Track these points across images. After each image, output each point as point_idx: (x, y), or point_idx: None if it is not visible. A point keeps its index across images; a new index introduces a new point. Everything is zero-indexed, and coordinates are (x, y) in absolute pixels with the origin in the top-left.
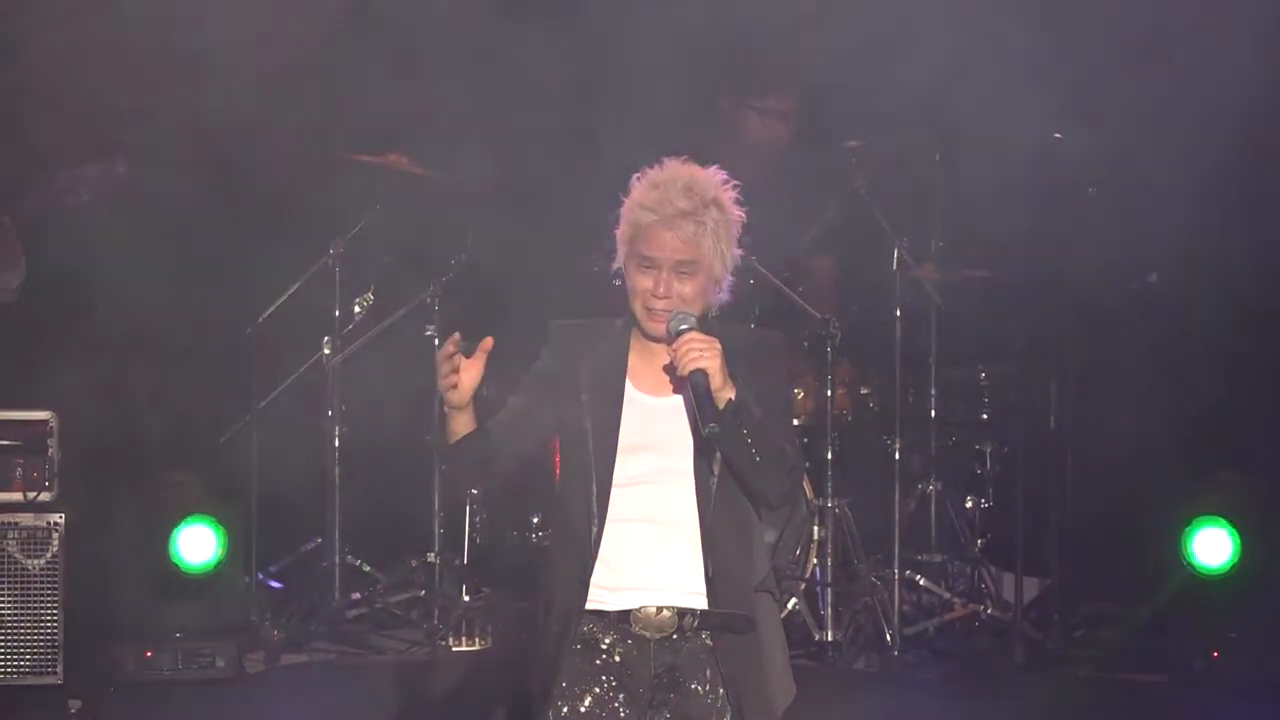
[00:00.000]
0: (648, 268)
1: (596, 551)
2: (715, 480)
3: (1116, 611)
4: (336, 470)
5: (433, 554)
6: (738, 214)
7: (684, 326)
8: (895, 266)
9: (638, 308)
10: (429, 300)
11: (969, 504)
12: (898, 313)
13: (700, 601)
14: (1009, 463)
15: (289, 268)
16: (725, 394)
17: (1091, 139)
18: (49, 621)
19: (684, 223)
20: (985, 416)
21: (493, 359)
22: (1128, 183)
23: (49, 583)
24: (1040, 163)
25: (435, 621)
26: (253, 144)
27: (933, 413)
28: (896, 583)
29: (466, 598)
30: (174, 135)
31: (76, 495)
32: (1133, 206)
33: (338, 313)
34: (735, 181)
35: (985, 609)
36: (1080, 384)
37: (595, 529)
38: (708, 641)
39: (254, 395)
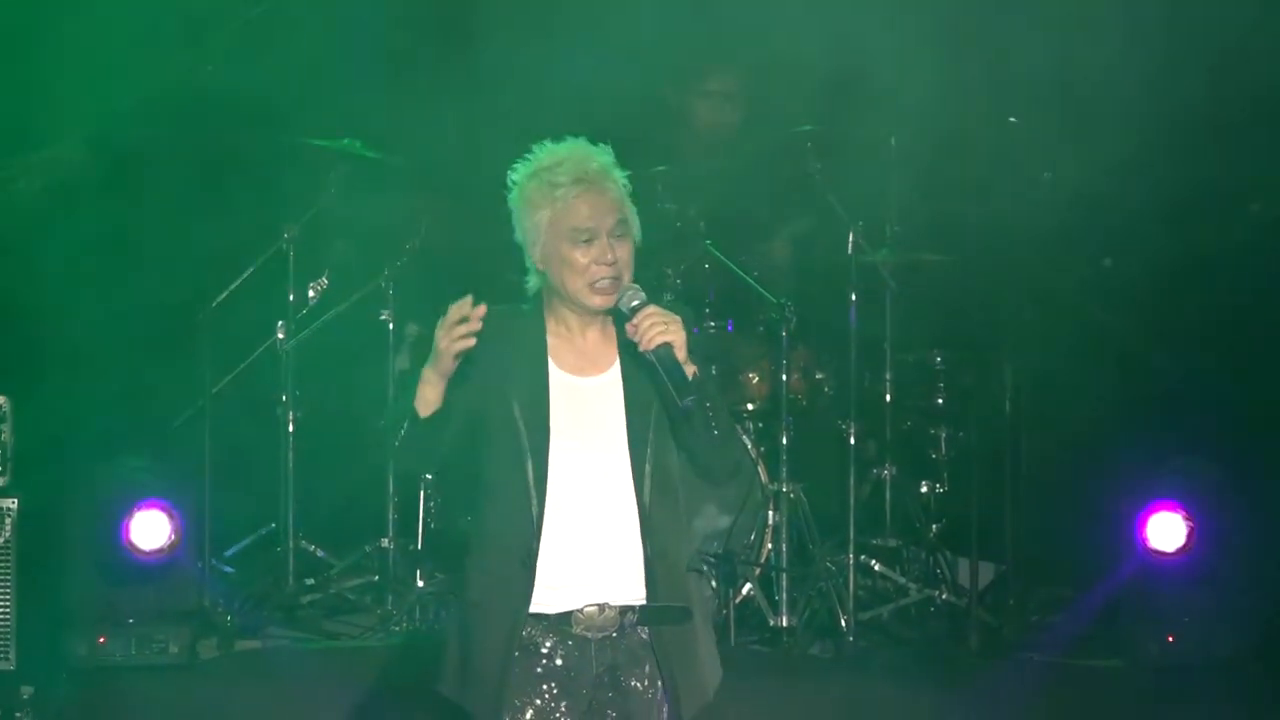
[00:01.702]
0: (585, 241)
1: (538, 546)
2: (650, 457)
3: (1072, 596)
4: (290, 455)
5: (387, 539)
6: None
7: (636, 302)
8: (850, 251)
9: (579, 285)
10: (383, 285)
11: (924, 489)
12: (853, 297)
13: (638, 591)
14: (964, 447)
15: (243, 252)
16: (690, 367)
17: (1052, 123)
18: (2, 607)
19: (606, 183)
20: (940, 401)
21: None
22: (1083, 167)
23: (1, 568)
24: (995, 148)
25: (389, 607)
26: (206, 127)
27: (888, 397)
28: (851, 568)
29: (421, 583)
30: (124, 119)
31: (30, 480)
32: (1088, 192)
33: (291, 297)
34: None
35: (940, 594)
36: (1035, 369)
37: (535, 522)
38: (644, 635)
39: (208, 380)
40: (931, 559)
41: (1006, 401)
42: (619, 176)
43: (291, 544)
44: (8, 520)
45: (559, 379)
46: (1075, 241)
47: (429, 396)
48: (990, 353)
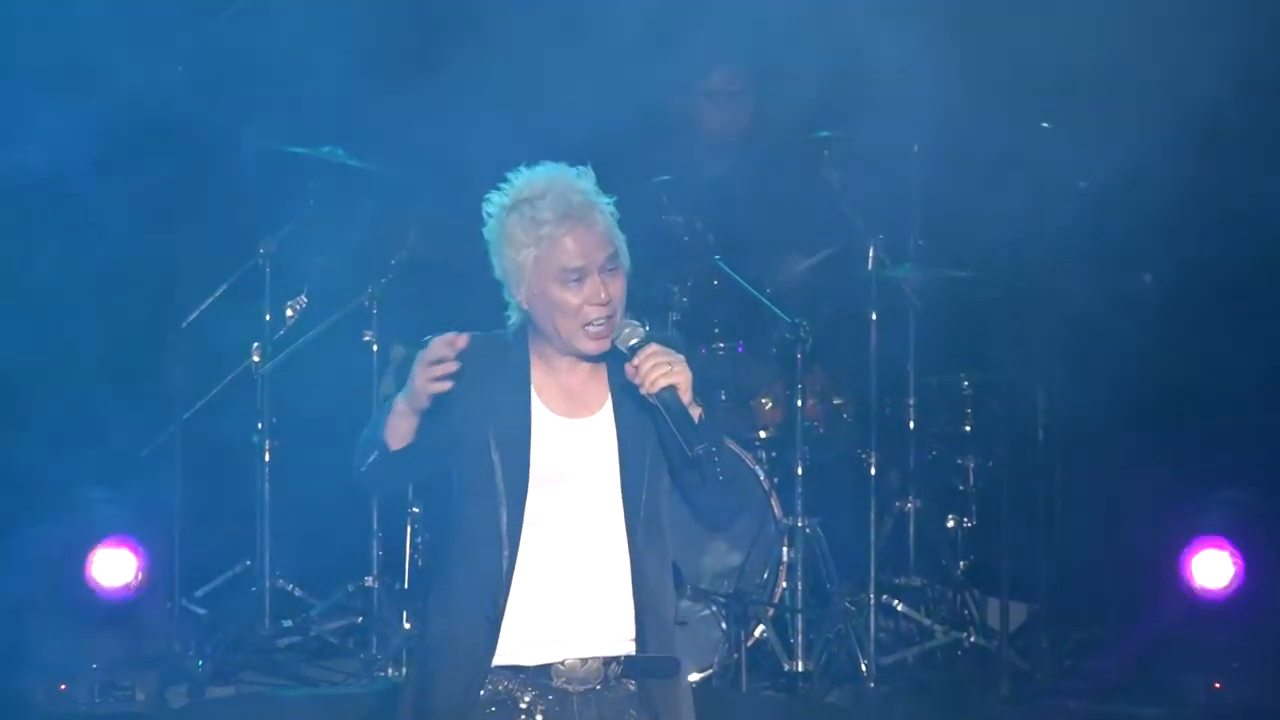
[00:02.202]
0: (575, 281)
1: (508, 592)
2: (644, 504)
3: (1110, 639)
4: (267, 487)
5: (371, 578)
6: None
7: (635, 341)
8: (870, 266)
9: (571, 329)
10: (366, 303)
11: (950, 523)
12: (873, 316)
13: (626, 645)
14: (994, 478)
15: (215, 268)
16: (696, 409)
17: (1080, 132)
18: None
19: (594, 214)
20: (968, 428)
21: None
22: (1119, 178)
23: None
24: (1026, 156)
25: (374, 651)
26: (177, 134)
27: (911, 424)
28: (872, 609)
29: (408, 625)
30: (90, 124)
31: None
32: (1125, 203)
33: (268, 317)
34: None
35: (968, 637)
36: (1070, 394)
37: (506, 566)
38: (631, 687)
39: (177, 406)
40: (959, 599)
41: (1039, 429)
42: (605, 204)
43: (268, 583)
44: None
45: (546, 419)
46: (1113, 257)
47: (401, 429)
48: (1021, 376)
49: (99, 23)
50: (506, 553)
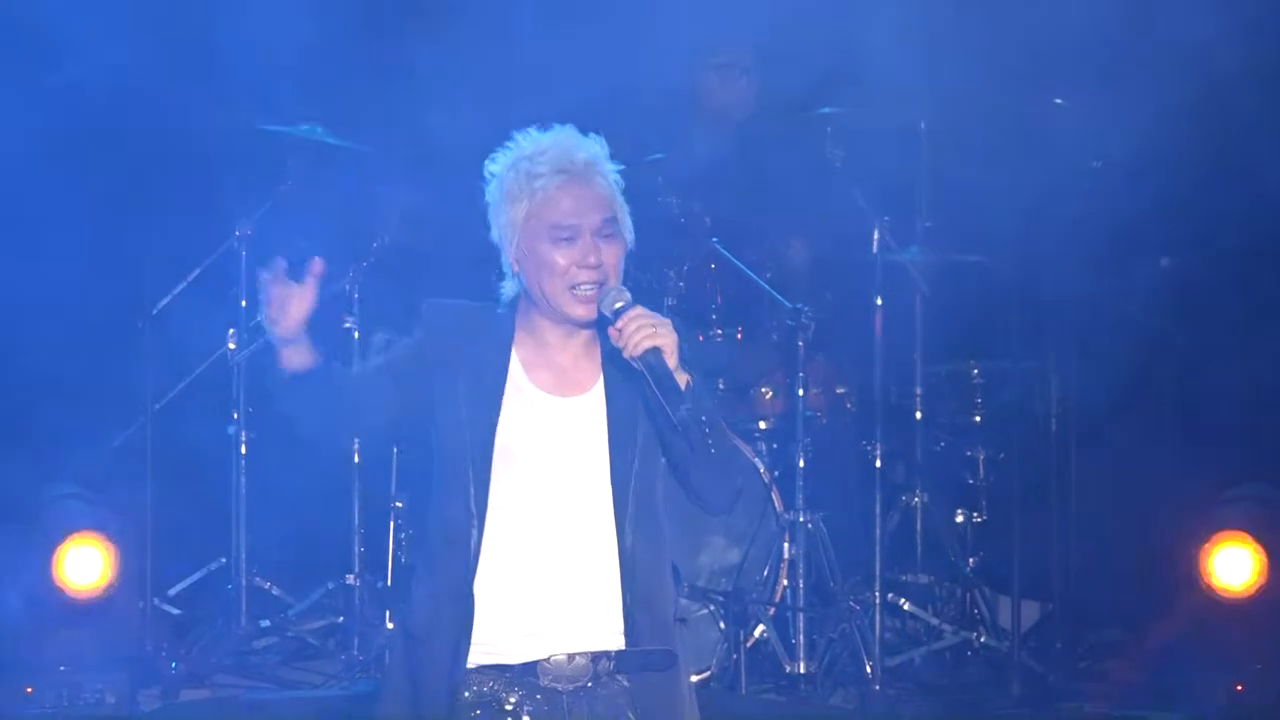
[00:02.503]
0: (564, 239)
1: (473, 582)
2: (634, 489)
3: (1126, 640)
4: (243, 481)
5: (352, 575)
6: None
7: (620, 304)
8: (875, 249)
9: (557, 290)
10: (347, 288)
11: (959, 518)
12: (879, 301)
13: (615, 639)
14: (1004, 471)
15: (189, 250)
16: (682, 376)
17: (1094, 109)
18: None
19: (595, 177)
20: (978, 419)
21: None
22: (1135, 157)
23: None
24: (1039, 133)
25: (355, 652)
26: (148, 109)
27: (918, 414)
28: (878, 607)
29: (390, 625)
30: (53, 100)
31: None
32: (1141, 184)
33: (244, 302)
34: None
35: (978, 637)
36: (1084, 383)
37: (473, 555)
38: (624, 683)
39: (149, 395)
40: (968, 597)
41: (1052, 419)
42: (610, 170)
43: (244, 581)
44: None
45: (530, 396)
46: (1128, 239)
47: (286, 359)
48: (1033, 364)
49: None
50: (475, 532)
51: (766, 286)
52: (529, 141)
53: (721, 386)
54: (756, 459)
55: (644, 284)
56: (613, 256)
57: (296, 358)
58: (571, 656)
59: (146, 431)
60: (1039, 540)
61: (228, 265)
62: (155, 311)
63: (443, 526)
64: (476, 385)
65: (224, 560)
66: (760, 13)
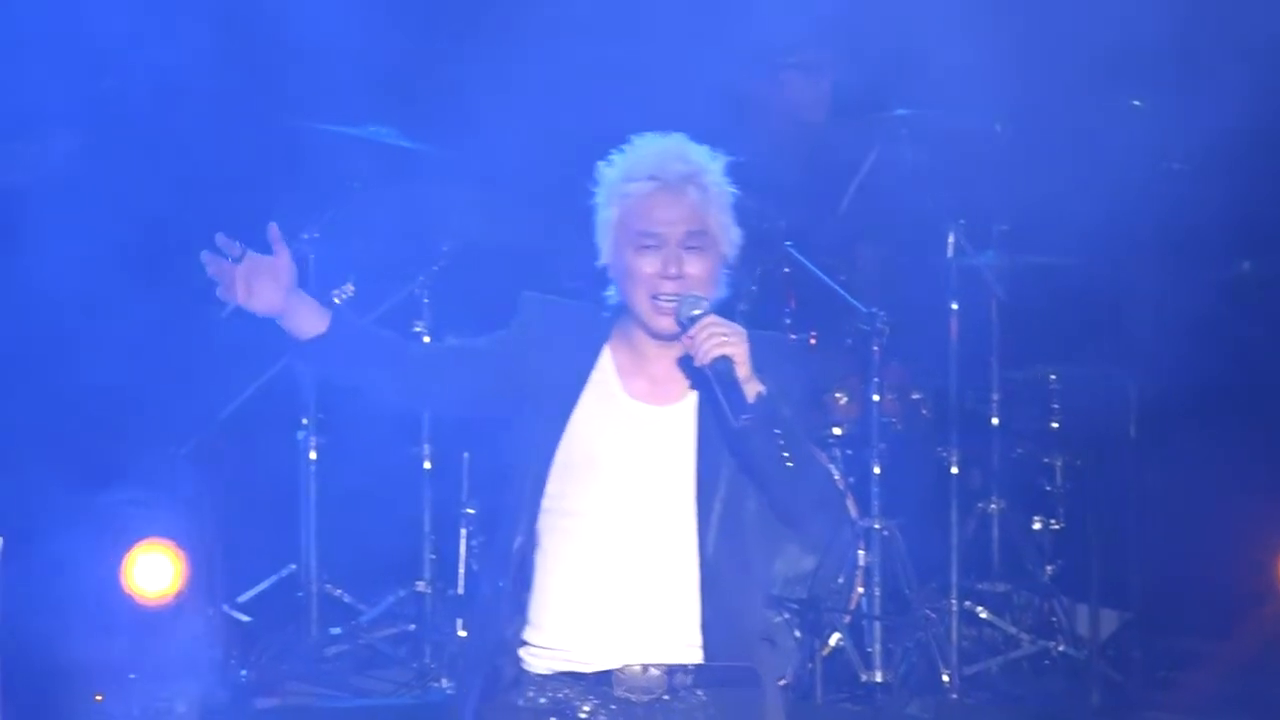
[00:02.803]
0: (649, 247)
1: (518, 564)
2: (721, 500)
3: (1206, 649)
4: (312, 487)
5: (423, 583)
6: (733, 190)
7: (697, 311)
8: (951, 253)
9: (640, 298)
10: (417, 292)
11: (1036, 525)
12: (954, 306)
13: (692, 652)
14: (1082, 478)
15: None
16: (754, 386)
17: (1180, 108)
18: None
19: (688, 187)
20: (1055, 425)
21: None
22: (1216, 159)
23: None
24: (1116, 135)
25: (426, 660)
26: (214, 110)
27: (995, 420)
28: (954, 616)
29: (462, 633)
30: (120, 104)
31: (15, 516)
32: (1222, 186)
33: None
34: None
35: (1056, 646)
36: (1163, 388)
37: (512, 556)
38: (703, 697)
39: (218, 401)
40: (1045, 605)
41: (1130, 425)
42: (712, 184)
43: (314, 588)
44: None
45: (624, 403)
46: (1209, 242)
47: (291, 329)
48: (1111, 369)
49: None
50: (522, 532)
51: (841, 291)
52: (634, 147)
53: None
54: (831, 465)
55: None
56: (697, 269)
57: (304, 324)
58: (645, 668)
59: (216, 437)
60: (1117, 548)
61: (297, 269)
62: (224, 316)
63: (499, 523)
64: (557, 384)
65: (294, 567)
66: (834, 13)
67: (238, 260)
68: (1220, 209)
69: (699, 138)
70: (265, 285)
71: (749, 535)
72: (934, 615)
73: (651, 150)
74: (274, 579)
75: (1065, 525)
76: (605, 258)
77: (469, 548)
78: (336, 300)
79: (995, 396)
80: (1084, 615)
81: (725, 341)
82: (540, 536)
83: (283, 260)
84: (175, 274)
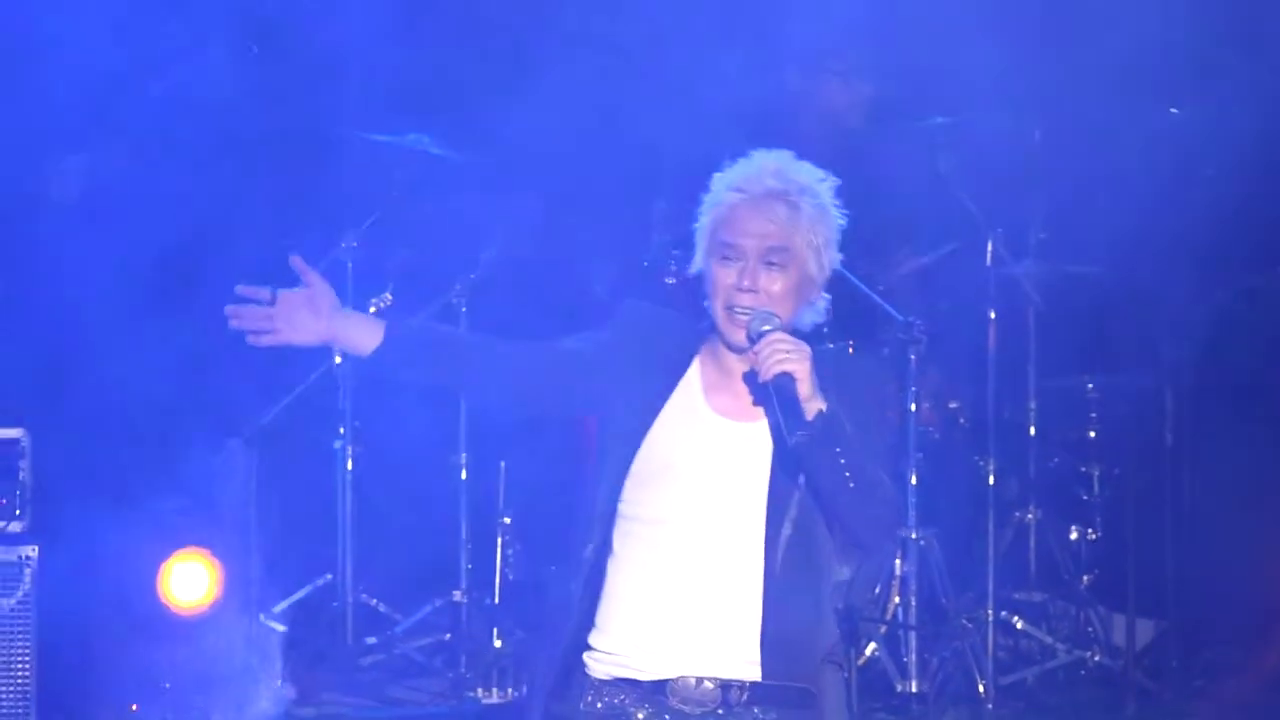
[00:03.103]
0: (730, 258)
1: (579, 588)
2: (791, 520)
3: (1244, 659)
4: (349, 496)
5: (459, 592)
6: (835, 213)
7: (767, 328)
8: (989, 261)
9: (718, 308)
10: (455, 301)
11: (1073, 535)
12: (992, 315)
13: (752, 670)
14: (1119, 487)
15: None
16: (815, 404)
17: (1216, 115)
18: (20, 668)
19: (775, 203)
20: (1092, 434)
21: None
22: (1253, 166)
23: (20, 625)
24: (1154, 142)
25: (463, 669)
26: (252, 119)
27: (1032, 430)
28: (990, 626)
29: (498, 642)
30: (163, 114)
31: (52, 525)
32: (1259, 193)
33: None
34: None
35: (1092, 656)
36: (1201, 397)
37: (586, 561)
38: (758, 714)
39: (254, 410)
40: (1082, 615)
41: (1168, 434)
42: (806, 204)
43: (350, 598)
44: (26, 571)
45: (705, 417)
46: (1246, 250)
47: (353, 346)
48: (1149, 379)
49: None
50: (595, 537)
51: (878, 299)
52: (741, 160)
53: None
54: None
55: None
56: (774, 285)
57: (358, 341)
58: (699, 680)
59: (253, 445)
60: (1154, 557)
61: (334, 277)
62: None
63: (577, 522)
64: (643, 391)
65: (330, 576)
66: (872, 19)
67: (270, 304)
68: (1258, 216)
69: (736, 143)
70: (305, 318)
71: (819, 558)
72: (970, 625)
73: (751, 164)
74: (310, 588)
75: (1102, 535)
76: (696, 265)
77: (505, 557)
78: (373, 309)
79: (1032, 405)
80: (1120, 625)
81: (787, 358)
82: (613, 542)
83: (317, 289)
84: (214, 282)
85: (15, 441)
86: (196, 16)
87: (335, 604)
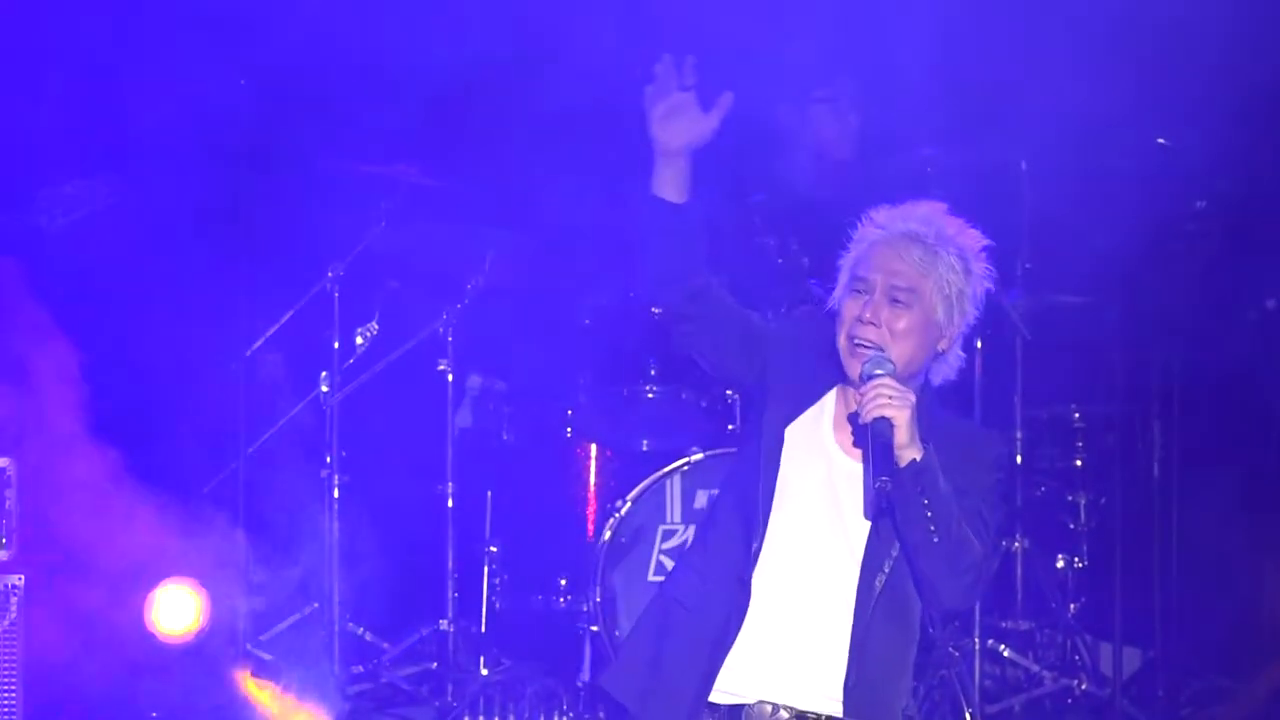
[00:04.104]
0: (859, 291)
1: (750, 576)
2: (888, 569)
3: (1231, 688)
4: (335, 524)
5: (446, 621)
6: (983, 273)
7: (879, 371)
8: None
9: (841, 340)
10: (441, 331)
11: (1060, 563)
12: (978, 344)
13: (833, 707)
14: (1106, 516)
15: (281, 293)
16: (910, 453)
17: (1202, 145)
18: (7, 698)
19: (911, 245)
20: (1079, 463)
21: (519, 400)
22: (1239, 197)
23: (7, 653)
24: (1142, 173)
25: (449, 698)
26: (240, 151)
27: (1018, 458)
28: (977, 653)
29: (485, 671)
30: (154, 145)
31: (39, 554)
32: (1245, 224)
33: (337, 344)
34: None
35: (1079, 684)
36: (1187, 426)
37: (753, 554)
38: None
39: (242, 438)
40: (1069, 643)
41: (1155, 463)
42: (944, 252)
43: (337, 626)
44: (13, 600)
45: (829, 450)
46: (1234, 280)
47: (656, 177)
48: (1135, 408)
49: (157, 37)
50: (759, 535)
51: None
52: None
53: None
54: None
55: None
56: (897, 322)
57: (666, 180)
58: (775, 709)
59: (240, 473)
60: (1141, 586)
61: (320, 307)
62: (248, 353)
63: (734, 511)
64: (786, 395)
65: (316, 605)
66: (860, 52)
67: (684, 88)
68: (1246, 247)
69: (726, 172)
70: (681, 126)
71: (909, 616)
72: (957, 653)
73: (901, 207)
74: (297, 617)
75: (1089, 563)
76: (835, 300)
77: (491, 585)
78: (360, 339)
79: (1019, 435)
80: (1107, 653)
81: (889, 403)
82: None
83: (710, 123)
84: (202, 312)
85: (2, 470)
86: (186, 47)
87: (322, 633)
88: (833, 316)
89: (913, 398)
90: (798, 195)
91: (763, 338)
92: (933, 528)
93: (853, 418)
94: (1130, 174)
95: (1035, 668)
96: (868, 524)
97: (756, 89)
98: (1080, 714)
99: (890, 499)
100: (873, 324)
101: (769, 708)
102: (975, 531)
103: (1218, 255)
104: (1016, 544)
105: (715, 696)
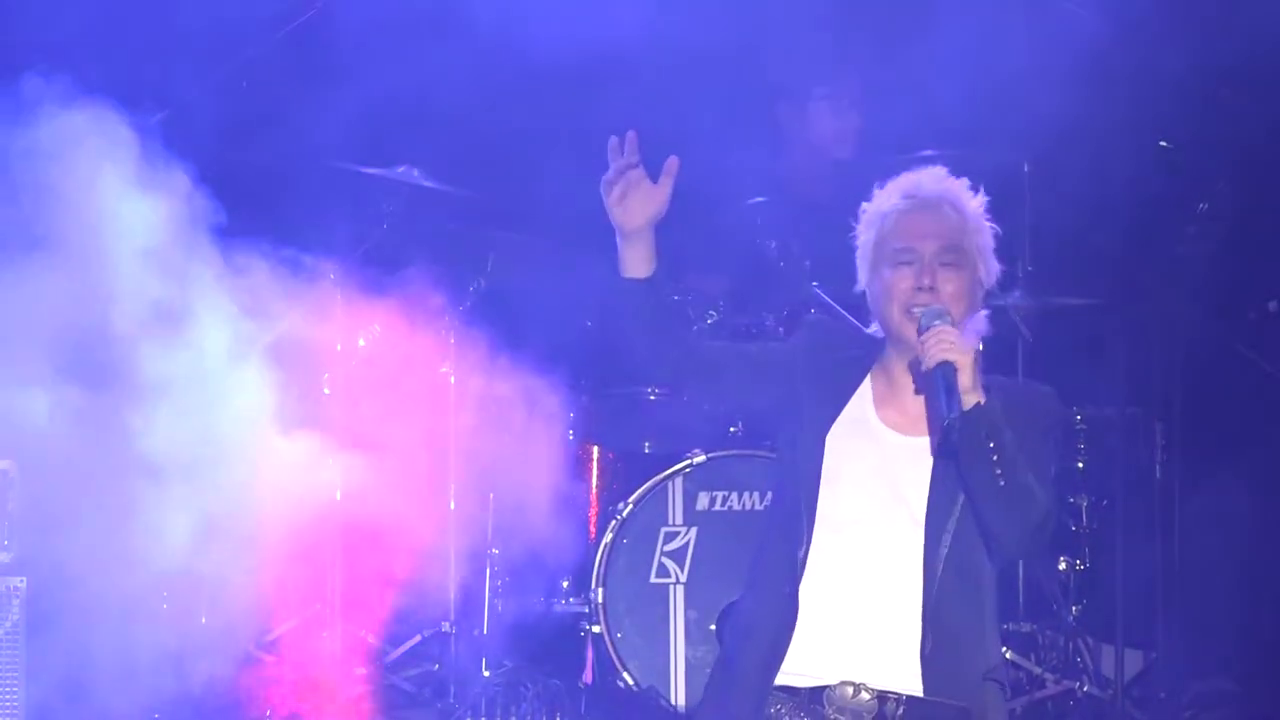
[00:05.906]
0: (905, 262)
1: (798, 589)
2: (951, 534)
3: (1234, 691)
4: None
5: (448, 623)
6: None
7: (937, 321)
8: None
9: (894, 313)
10: (443, 333)
11: (1062, 565)
12: (980, 346)
13: (912, 684)
14: (1108, 518)
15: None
16: (973, 397)
17: (1204, 147)
18: (9, 700)
19: (944, 207)
20: (1080, 465)
21: (521, 403)
22: (1245, 197)
23: (9, 657)
24: (1144, 175)
25: (451, 700)
26: (240, 152)
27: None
28: None
29: (487, 673)
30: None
31: (41, 555)
32: (1249, 226)
33: (338, 346)
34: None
35: (1081, 686)
36: (1190, 428)
37: (799, 564)
38: None
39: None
40: (1070, 646)
41: (1157, 466)
42: (969, 210)
43: (338, 627)
44: (15, 602)
45: (875, 430)
46: (1236, 282)
47: (622, 256)
48: (1138, 410)
49: (155, 36)
50: (804, 542)
51: (867, 331)
52: (897, 177)
53: None
54: None
55: (741, 328)
56: (954, 286)
57: (631, 259)
58: (856, 689)
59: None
60: (1143, 588)
61: (322, 309)
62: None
63: (777, 525)
64: (820, 400)
65: (318, 606)
66: (860, 52)
67: (633, 166)
68: (1246, 248)
69: (728, 172)
70: (638, 204)
71: (980, 575)
72: None
73: (909, 175)
74: (298, 619)
75: (1091, 565)
76: (863, 282)
77: (493, 588)
78: (362, 341)
79: None
80: (1109, 655)
81: (952, 347)
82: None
83: (663, 193)
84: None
85: (4, 473)
86: (187, 51)
87: (324, 634)
88: (841, 311)
89: (974, 344)
90: (798, 196)
91: (773, 363)
92: (999, 470)
93: (914, 365)
94: (1131, 176)
95: (1037, 670)
96: (925, 492)
97: (760, 85)
98: (1082, 716)
99: (957, 439)
100: (930, 289)
101: (850, 689)
102: (1038, 478)
103: (1219, 257)
104: None
105: (794, 680)
